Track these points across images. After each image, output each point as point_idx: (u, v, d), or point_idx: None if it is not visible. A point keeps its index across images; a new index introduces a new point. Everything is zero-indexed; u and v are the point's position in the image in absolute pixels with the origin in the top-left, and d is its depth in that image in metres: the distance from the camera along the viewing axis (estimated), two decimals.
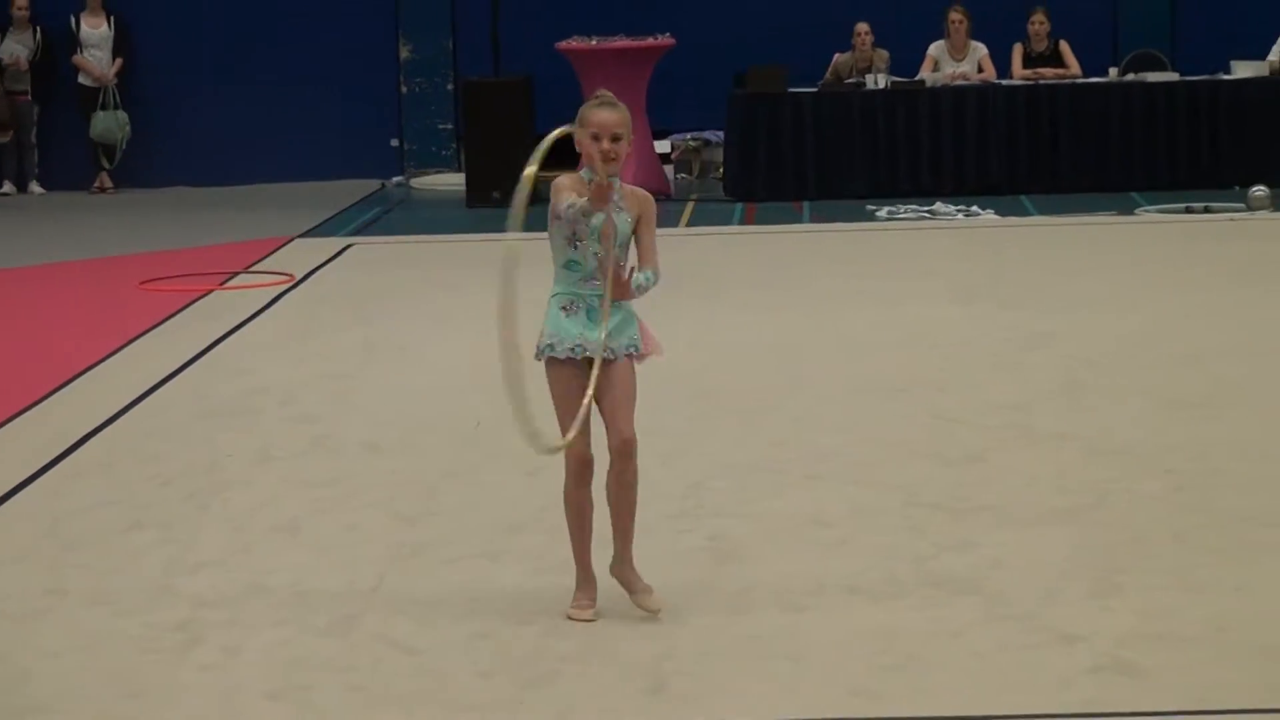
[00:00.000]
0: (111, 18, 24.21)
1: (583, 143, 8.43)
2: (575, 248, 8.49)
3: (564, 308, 8.54)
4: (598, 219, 8.38)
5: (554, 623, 8.29)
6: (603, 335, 8.37)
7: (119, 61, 24.30)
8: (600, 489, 8.50)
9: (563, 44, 22.15)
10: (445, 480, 10.70)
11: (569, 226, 8.44)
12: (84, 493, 10.61)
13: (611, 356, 8.41)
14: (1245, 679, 7.50)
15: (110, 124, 24.15)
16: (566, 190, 8.42)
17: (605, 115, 8.40)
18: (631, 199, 8.56)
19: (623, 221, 8.46)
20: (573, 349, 8.41)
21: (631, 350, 8.49)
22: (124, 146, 24.25)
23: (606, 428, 8.42)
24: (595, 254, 8.43)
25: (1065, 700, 7.35)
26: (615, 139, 8.33)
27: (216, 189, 23.90)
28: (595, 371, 8.32)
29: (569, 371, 8.43)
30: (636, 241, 8.55)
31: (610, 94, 8.64)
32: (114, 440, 11.78)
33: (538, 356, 8.48)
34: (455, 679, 7.71)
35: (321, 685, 7.67)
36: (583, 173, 8.45)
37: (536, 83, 22.22)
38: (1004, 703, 7.32)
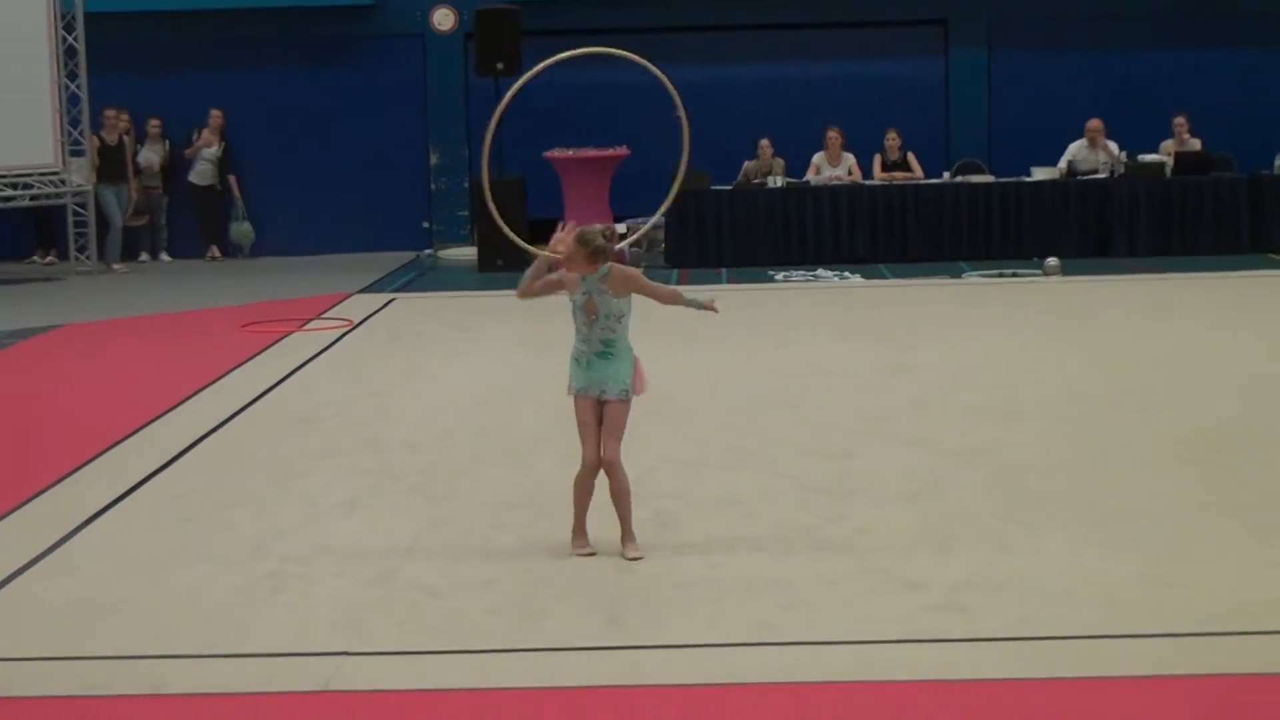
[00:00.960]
0: (224, 143, 24.21)
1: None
2: (576, 318, 8.66)
3: (575, 358, 8.69)
4: (578, 299, 8.62)
5: (542, 575, 8.27)
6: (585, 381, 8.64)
7: (234, 177, 24.32)
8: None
9: (548, 153, 22.17)
10: (463, 471, 10.66)
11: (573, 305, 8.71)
12: (197, 479, 10.57)
13: (606, 398, 8.59)
14: (1042, 613, 7.50)
15: (243, 230, 24.29)
16: (570, 282, 8.70)
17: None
18: (617, 281, 8.61)
19: (606, 302, 8.59)
20: (582, 389, 8.61)
21: (620, 394, 8.60)
22: (250, 249, 24.35)
23: (601, 449, 8.58)
24: (583, 323, 8.60)
25: (914, 629, 7.34)
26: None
27: (297, 258, 23.83)
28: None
29: (584, 404, 8.63)
30: (652, 296, 8.79)
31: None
32: (220, 441, 11.73)
33: (569, 393, 8.70)
34: (469, 615, 7.68)
35: (370, 619, 7.65)
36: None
37: (528, 181, 22.20)
38: (868, 632, 7.31)
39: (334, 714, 6.59)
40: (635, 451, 10.95)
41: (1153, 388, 12.77)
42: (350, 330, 16.85)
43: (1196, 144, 22.46)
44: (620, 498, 8.71)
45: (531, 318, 17.57)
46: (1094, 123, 22.29)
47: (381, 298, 19.52)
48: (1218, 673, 6.78)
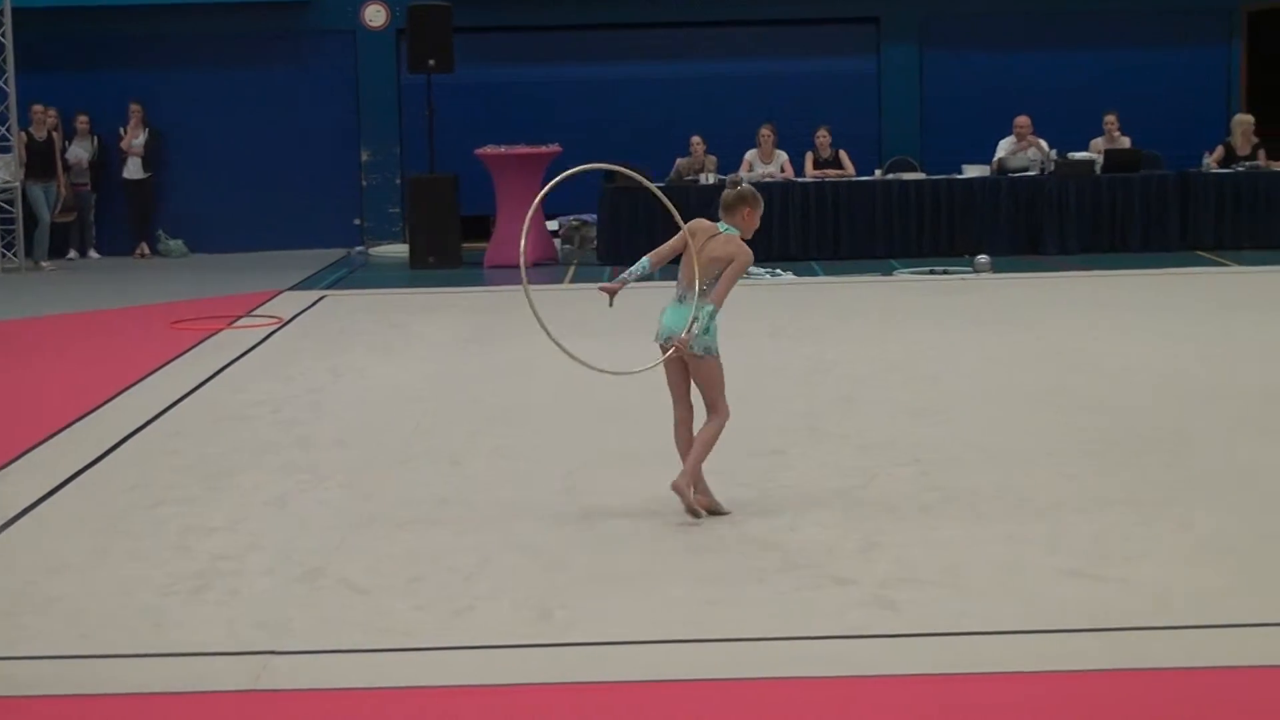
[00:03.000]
0: (148, 130, 24.02)
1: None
2: None
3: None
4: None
5: (471, 572, 8.27)
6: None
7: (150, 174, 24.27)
8: None
9: (480, 150, 22.12)
10: (393, 468, 10.64)
11: None
12: (125, 478, 10.51)
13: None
14: (972, 609, 7.54)
15: (171, 247, 24.16)
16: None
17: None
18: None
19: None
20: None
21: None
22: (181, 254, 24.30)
23: None
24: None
25: (841, 625, 7.38)
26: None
27: (227, 255, 23.74)
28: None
29: None
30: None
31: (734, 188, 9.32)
32: (148, 439, 11.67)
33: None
34: (397, 612, 7.67)
35: (298, 617, 7.63)
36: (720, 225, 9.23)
37: (461, 178, 22.17)
38: (796, 628, 7.34)
39: (261, 713, 6.58)
40: (565, 447, 11.00)
41: (1080, 385, 12.84)
42: (280, 327, 16.79)
43: (1126, 142, 22.59)
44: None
45: (464, 314, 17.58)
46: (1021, 120, 22.40)
47: (312, 295, 19.46)
48: (1144, 667, 6.83)
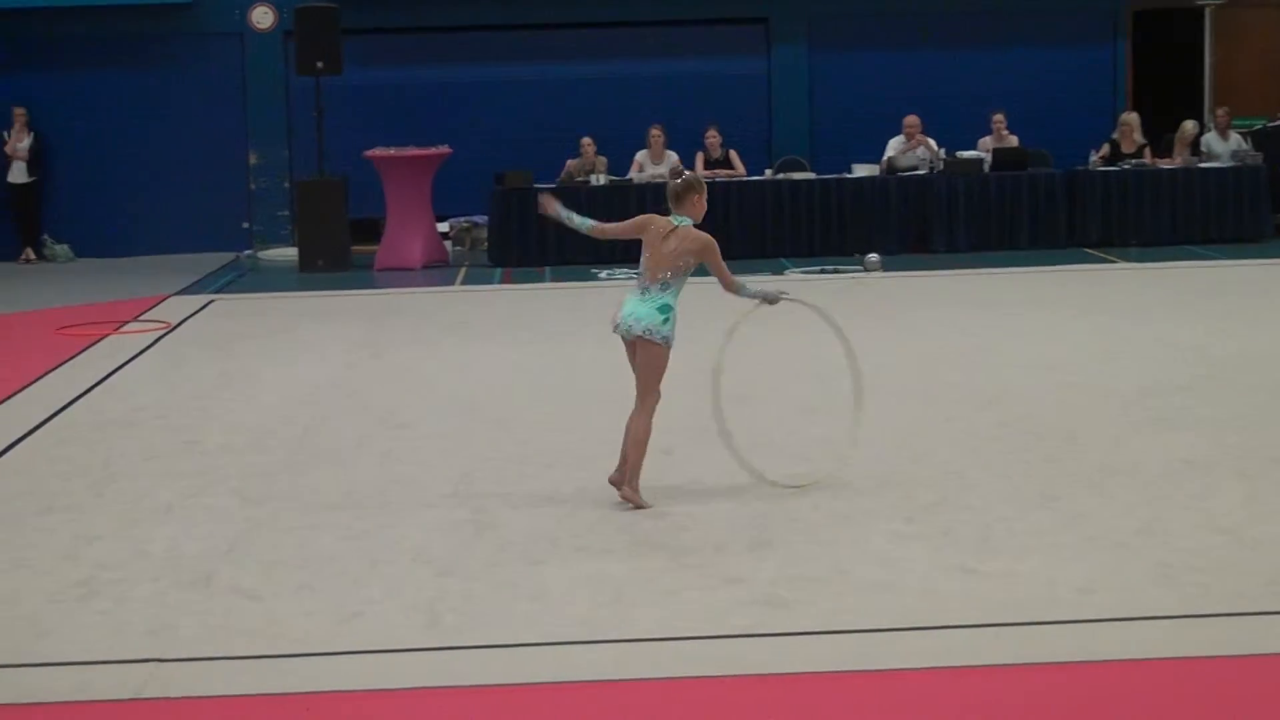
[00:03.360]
0: (32, 134, 23.79)
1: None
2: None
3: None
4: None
5: (360, 576, 8.23)
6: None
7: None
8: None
9: (369, 152, 22.03)
10: (282, 472, 10.57)
11: None
12: (11, 485, 10.40)
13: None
14: (860, 606, 7.58)
15: (57, 252, 23.89)
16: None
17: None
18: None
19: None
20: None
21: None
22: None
23: None
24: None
25: (731, 625, 7.40)
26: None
27: (114, 259, 23.52)
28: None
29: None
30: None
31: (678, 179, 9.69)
32: (35, 445, 11.56)
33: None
34: (287, 618, 7.63)
35: (185, 624, 7.57)
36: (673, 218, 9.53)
37: (350, 181, 22.07)
38: (686, 628, 7.34)
39: None
40: (455, 451, 10.97)
41: (968, 381, 12.93)
42: (168, 332, 16.66)
43: (1014, 140, 22.75)
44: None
45: (353, 317, 17.51)
46: (910, 119, 22.52)
47: (200, 299, 19.32)
48: (1032, 661, 6.88)
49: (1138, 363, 13.51)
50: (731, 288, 9.69)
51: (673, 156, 22.56)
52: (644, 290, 9.54)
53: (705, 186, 9.66)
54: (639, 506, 9.36)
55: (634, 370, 9.63)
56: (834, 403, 12.13)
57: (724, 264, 9.53)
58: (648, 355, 9.48)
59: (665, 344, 9.47)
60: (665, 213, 9.61)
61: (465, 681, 6.81)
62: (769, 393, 12.71)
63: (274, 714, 6.55)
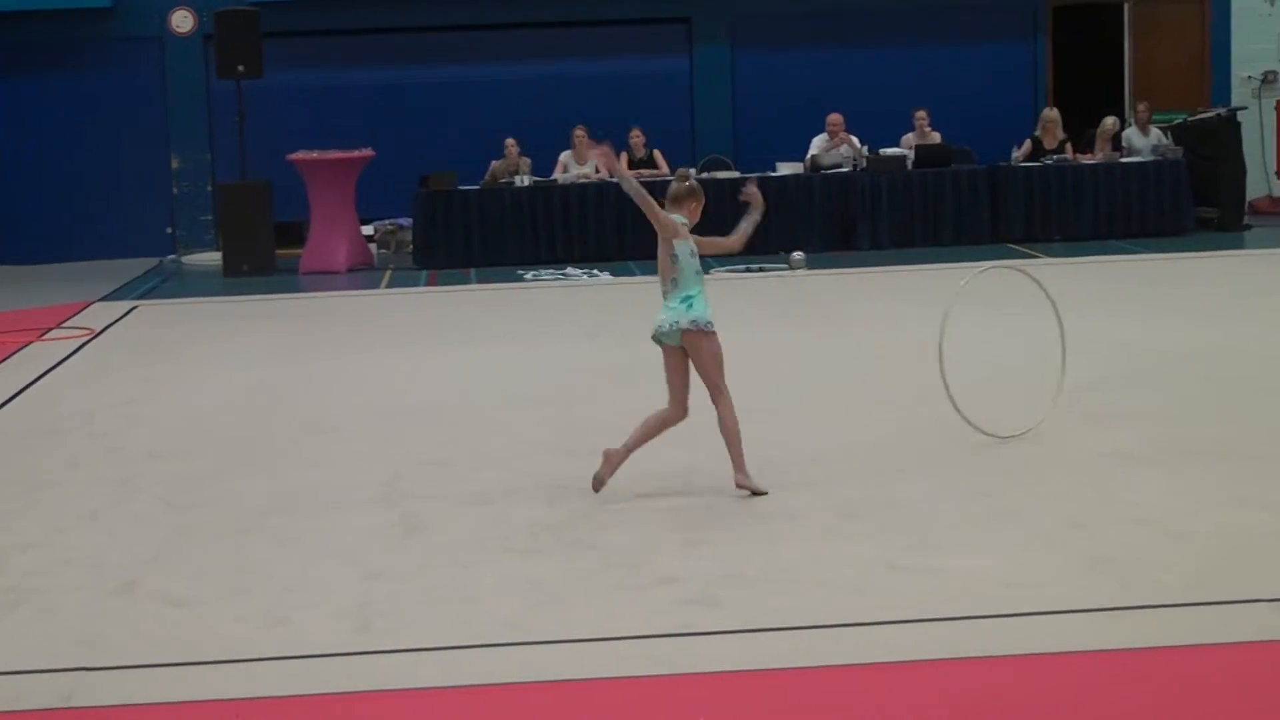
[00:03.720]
0: None
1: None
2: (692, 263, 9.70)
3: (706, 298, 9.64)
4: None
5: (289, 582, 8.17)
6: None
7: None
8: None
9: (292, 155, 21.93)
10: (208, 478, 10.49)
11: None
12: None
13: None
14: (795, 604, 7.56)
15: None
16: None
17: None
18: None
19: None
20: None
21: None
22: None
23: None
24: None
25: (665, 624, 7.37)
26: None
27: (36, 266, 23.36)
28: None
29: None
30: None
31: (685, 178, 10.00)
32: None
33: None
34: (215, 624, 7.56)
35: (112, 632, 7.49)
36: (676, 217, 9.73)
37: (274, 184, 21.96)
38: (620, 628, 7.31)
39: None
40: (382, 455, 10.92)
41: (896, 379, 12.95)
42: (92, 339, 16.54)
43: (936, 137, 22.84)
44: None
45: (278, 321, 17.42)
46: (834, 117, 22.60)
47: (124, 305, 19.19)
48: (965, 656, 6.88)
49: (1066, 357, 13.53)
50: (727, 248, 10.10)
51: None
52: (665, 296, 9.67)
53: (703, 196, 9.87)
54: (757, 492, 9.44)
55: (670, 382, 9.63)
56: (759, 402, 12.14)
57: (705, 239, 9.81)
58: (696, 348, 9.49)
59: (707, 327, 9.49)
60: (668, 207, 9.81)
61: (395, 685, 6.75)
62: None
63: None
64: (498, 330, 16.21)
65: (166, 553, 8.78)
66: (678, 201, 9.77)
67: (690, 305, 9.49)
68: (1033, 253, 20.82)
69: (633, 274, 20.31)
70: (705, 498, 9.53)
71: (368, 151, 22.11)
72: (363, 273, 21.53)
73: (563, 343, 15.32)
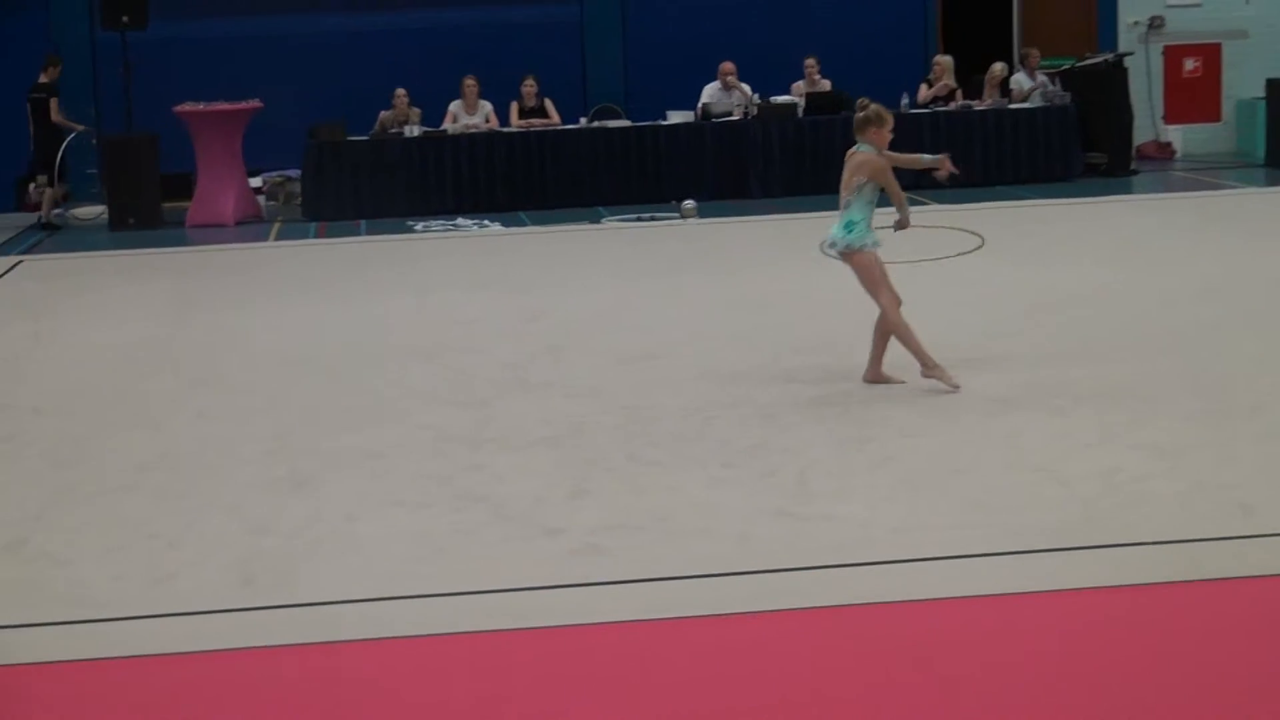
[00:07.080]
0: None
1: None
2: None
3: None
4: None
5: (174, 538, 8.11)
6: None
7: None
8: None
9: (179, 107, 21.73)
10: (93, 435, 10.41)
11: None
12: None
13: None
14: (677, 554, 7.58)
15: None
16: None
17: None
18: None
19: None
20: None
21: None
22: None
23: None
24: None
25: (552, 575, 7.36)
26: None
27: None
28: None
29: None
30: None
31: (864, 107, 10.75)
32: None
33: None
34: (96, 582, 7.50)
35: None
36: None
37: (161, 137, 21.74)
38: (507, 580, 7.30)
39: None
40: (271, 409, 10.86)
41: (786, 325, 12.99)
42: None
43: (826, 85, 22.88)
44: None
45: (165, 275, 17.28)
46: (726, 65, 22.64)
47: (8, 260, 19.01)
48: (849, 603, 6.91)
49: (953, 305, 13.61)
50: (909, 162, 11.26)
51: (486, 106, 22.50)
52: (841, 208, 10.59)
53: (887, 118, 10.61)
54: (949, 381, 10.51)
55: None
56: (649, 352, 12.15)
57: (895, 182, 10.60)
58: (855, 266, 10.59)
59: (861, 249, 10.49)
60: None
61: (281, 640, 6.73)
62: (583, 343, 12.68)
63: (87, 679, 6.44)
64: (387, 282, 16.15)
65: (50, 510, 8.70)
66: (859, 130, 10.61)
67: (850, 229, 10.50)
68: (923, 199, 20.89)
69: (523, 224, 20.27)
70: (594, 448, 9.52)
71: (255, 103, 21.95)
72: (251, 225, 21.39)
73: (451, 293, 15.28)
